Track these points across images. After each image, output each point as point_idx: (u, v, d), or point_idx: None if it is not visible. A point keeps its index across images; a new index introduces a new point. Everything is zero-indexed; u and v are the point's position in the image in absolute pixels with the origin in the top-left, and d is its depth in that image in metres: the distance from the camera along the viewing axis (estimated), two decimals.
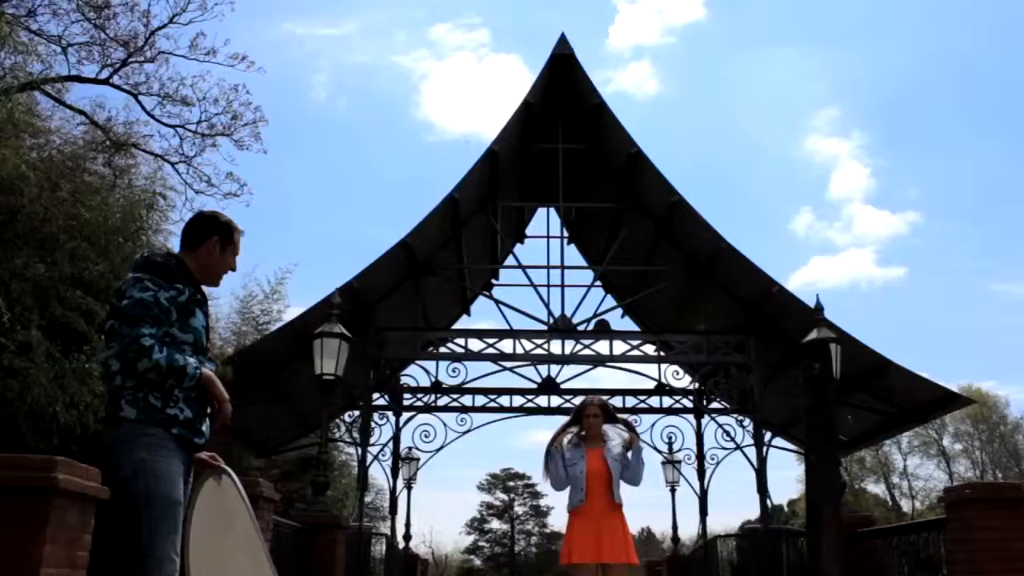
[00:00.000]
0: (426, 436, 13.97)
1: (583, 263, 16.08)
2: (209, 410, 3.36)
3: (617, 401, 15.44)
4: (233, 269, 3.64)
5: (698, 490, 15.57)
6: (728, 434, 13.36)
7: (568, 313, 13.22)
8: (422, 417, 14.43)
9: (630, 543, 5.78)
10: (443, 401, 14.77)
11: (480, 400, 15.08)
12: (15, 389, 7.48)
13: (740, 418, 13.40)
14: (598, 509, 5.74)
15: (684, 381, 14.64)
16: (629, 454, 5.91)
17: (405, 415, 14.80)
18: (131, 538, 3.07)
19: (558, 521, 49.78)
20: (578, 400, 15.09)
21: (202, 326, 3.40)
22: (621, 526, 5.78)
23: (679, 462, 16.60)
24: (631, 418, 6.21)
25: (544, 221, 14.95)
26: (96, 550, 3.88)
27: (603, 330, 13.39)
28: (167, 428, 3.20)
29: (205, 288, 3.56)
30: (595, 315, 13.59)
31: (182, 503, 3.21)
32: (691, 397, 15.65)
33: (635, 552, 5.80)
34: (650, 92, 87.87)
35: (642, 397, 15.72)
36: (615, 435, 6.03)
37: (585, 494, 5.75)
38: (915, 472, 42.96)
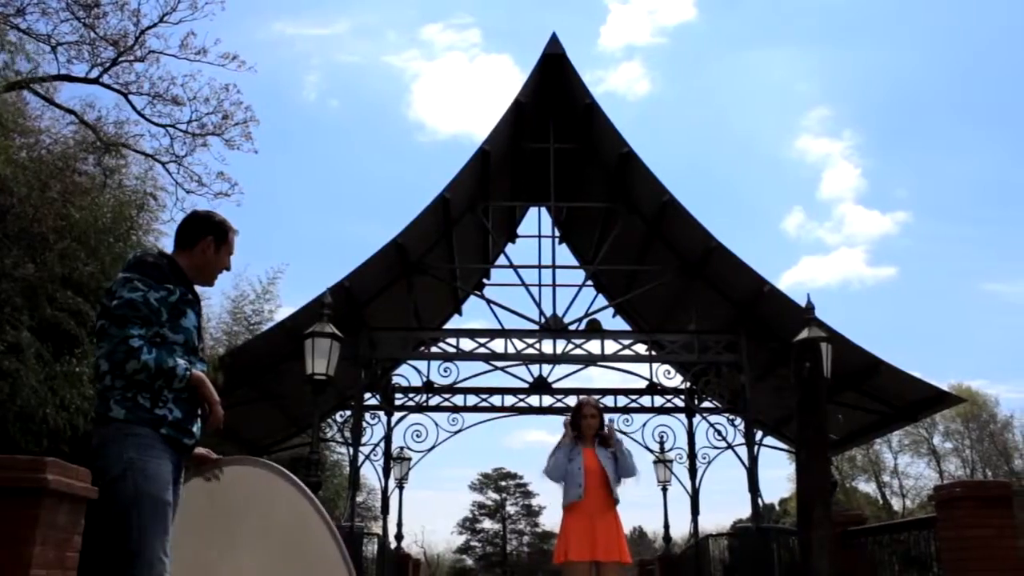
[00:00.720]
0: (418, 436, 13.98)
1: (575, 263, 16.11)
2: (200, 412, 3.35)
3: (609, 400, 15.50)
4: (228, 268, 3.64)
5: (690, 489, 15.61)
6: (719, 433, 13.40)
7: (560, 313, 13.23)
8: (414, 417, 14.44)
9: (624, 542, 5.82)
10: (435, 401, 14.78)
11: (472, 400, 15.11)
12: (5, 391, 7.45)
13: (731, 417, 13.43)
14: (594, 507, 5.78)
15: (675, 380, 14.68)
16: (613, 452, 6.00)
17: (397, 415, 14.80)
18: (120, 538, 3.06)
19: (550, 520, 49.81)
20: (570, 400, 15.22)
21: (193, 326, 3.38)
22: (615, 525, 5.82)
23: (671, 461, 16.62)
24: (606, 419, 6.31)
25: (535, 221, 14.98)
26: (85, 550, 3.87)
27: (594, 330, 13.40)
28: (156, 428, 3.19)
29: (199, 288, 3.56)
30: (586, 315, 13.61)
31: (171, 503, 3.20)
32: (682, 396, 15.67)
33: (628, 551, 5.83)
34: (641, 92, 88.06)
35: (633, 396, 15.76)
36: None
37: (584, 490, 5.78)
38: (905, 471, 43.19)
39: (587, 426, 6.09)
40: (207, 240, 3.51)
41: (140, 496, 3.08)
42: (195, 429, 3.36)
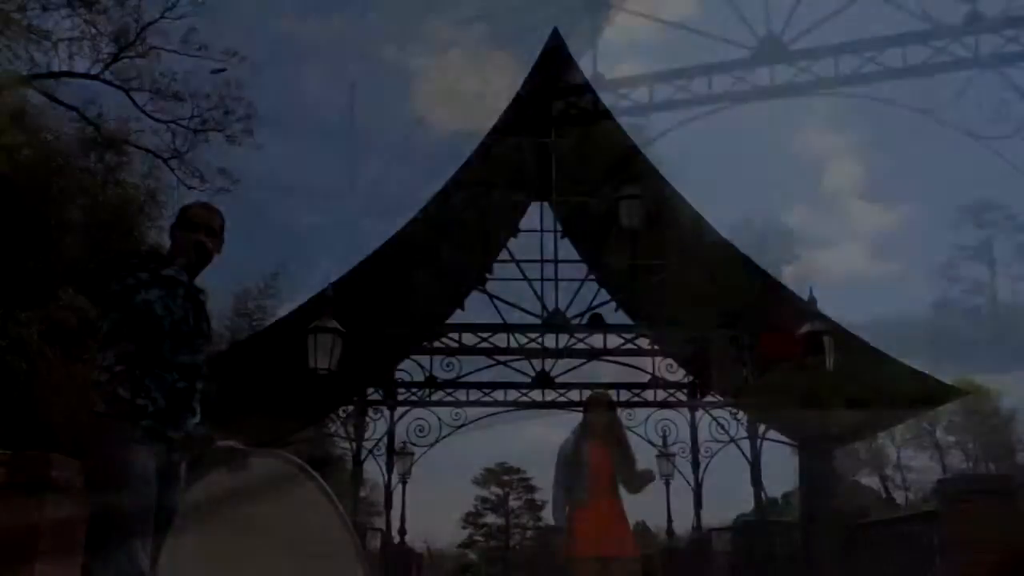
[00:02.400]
0: (420, 431, 13.94)
1: (576, 257, 16.06)
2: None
3: (611, 394, 15.44)
4: (208, 249, 3.44)
5: (692, 483, 15.58)
6: (722, 427, 13.38)
7: (562, 307, 13.20)
8: (416, 412, 14.40)
9: (631, 536, 5.78)
10: (437, 396, 14.76)
11: (474, 394, 15.08)
12: (14, 389, 7.46)
13: (734, 411, 13.41)
14: (600, 503, 5.73)
15: (678, 374, 14.64)
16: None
17: (399, 410, 14.78)
18: (98, 534, 3.05)
19: None
20: (572, 394, 15.20)
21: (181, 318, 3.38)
22: (622, 519, 5.78)
23: (673, 455, 16.58)
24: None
25: (538, 215, 14.92)
26: None
27: (597, 324, 13.38)
28: (135, 420, 3.16)
29: (198, 281, 3.56)
30: (589, 309, 13.58)
31: (153, 497, 3.14)
32: (685, 390, 15.64)
33: (636, 545, 5.80)
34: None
35: (636, 390, 15.72)
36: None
37: (588, 494, 5.74)
38: (908, 464, 43.08)
39: (591, 420, 6.05)
40: (173, 229, 3.51)
41: (117, 491, 3.06)
42: (186, 420, 3.31)
